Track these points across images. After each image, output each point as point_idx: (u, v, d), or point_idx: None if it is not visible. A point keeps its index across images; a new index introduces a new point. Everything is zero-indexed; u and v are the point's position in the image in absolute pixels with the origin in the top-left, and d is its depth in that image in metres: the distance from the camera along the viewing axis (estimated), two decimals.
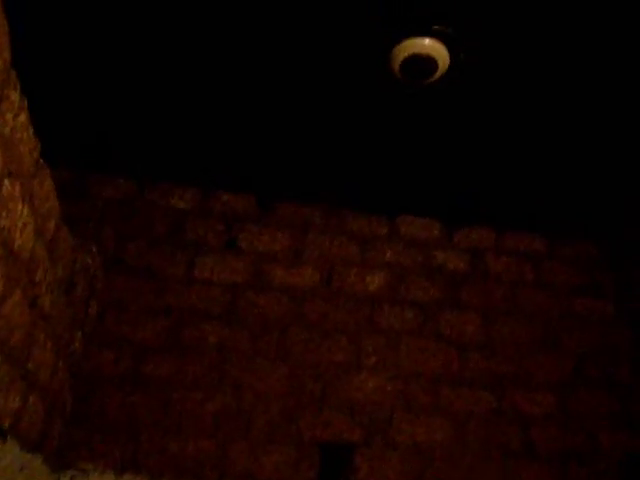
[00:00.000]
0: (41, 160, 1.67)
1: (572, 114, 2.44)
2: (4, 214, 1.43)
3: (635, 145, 2.58)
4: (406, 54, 1.93)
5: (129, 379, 2.56)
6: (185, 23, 2.15)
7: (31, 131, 1.55)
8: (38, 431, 1.99)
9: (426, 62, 1.96)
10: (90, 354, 2.59)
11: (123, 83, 2.45)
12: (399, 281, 2.95)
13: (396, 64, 1.96)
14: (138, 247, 2.84)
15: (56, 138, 2.82)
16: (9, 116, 1.39)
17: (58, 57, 2.34)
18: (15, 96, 1.42)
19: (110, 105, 2.57)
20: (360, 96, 2.29)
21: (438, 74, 1.99)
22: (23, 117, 1.48)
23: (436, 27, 1.88)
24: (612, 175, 2.77)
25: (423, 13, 1.87)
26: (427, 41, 1.92)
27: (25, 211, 1.57)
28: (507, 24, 1.95)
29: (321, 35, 2.05)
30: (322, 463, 2.52)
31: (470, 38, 1.95)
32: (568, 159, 2.68)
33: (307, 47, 2.15)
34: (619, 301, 3.08)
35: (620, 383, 2.87)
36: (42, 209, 1.71)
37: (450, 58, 1.97)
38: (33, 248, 1.67)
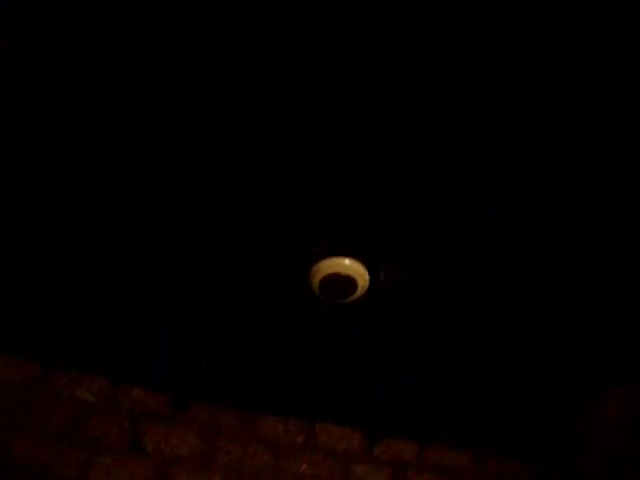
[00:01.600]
0: None
1: (500, 329, 2.46)
2: None
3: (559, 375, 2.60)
4: (325, 273, 1.95)
5: None
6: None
7: None
8: None
9: (345, 282, 1.98)
10: None
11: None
12: None
13: (315, 282, 1.97)
14: (29, 440, 2.57)
15: None
16: None
17: None
18: None
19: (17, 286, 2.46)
20: (281, 310, 2.27)
21: (358, 293, 2.01)
22: None
23: (356, 247, 1.92)
24: (543, 395, 2.77)
25: (344, 233, 1.92)
26: (347, 261, 1.96)
27: None
28: (427, 249, 2.01)
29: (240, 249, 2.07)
30: None
31: (391, 259, 2.00)
32: (494, 377, 2.67)
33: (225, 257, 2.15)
34: None
35: None
36: None
37: (370, 278, 2.00)
38: None
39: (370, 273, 1.96)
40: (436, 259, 2.08)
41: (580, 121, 1.55)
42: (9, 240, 2.25)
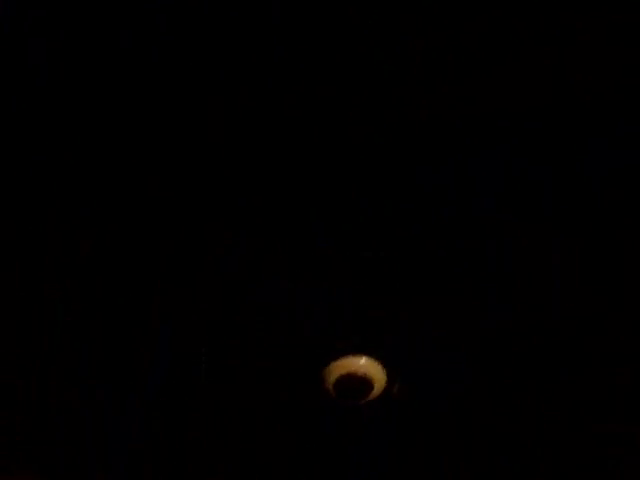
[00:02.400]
0: None
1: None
2: None
3: None
4: (341, 372, 1.87)
5: None
6: None
7: None
8: None
9: (361, 382, 1.89)
10: None
11: None
12: None
13: (330, 382, 1.88)
14: None
15: None
16: None
17: None
18: None
19: None
20: (292, 412, 2.16)
21: (374, 394, 1.91)
22: None
23: (374, 346, 1.85)
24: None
25: (363, 331, 1.86)
26: (363, 360, 1.87)
27: None
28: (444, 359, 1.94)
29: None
30: None
31: (408, 362, 1.92)
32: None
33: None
34: None
35: None
36: None
37: (387, 379, 1.91)
38: None
39: (387, 375, 1.87)
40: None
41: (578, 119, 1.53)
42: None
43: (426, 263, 1.83)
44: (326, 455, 2.40)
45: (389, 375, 1.93)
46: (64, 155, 1.81)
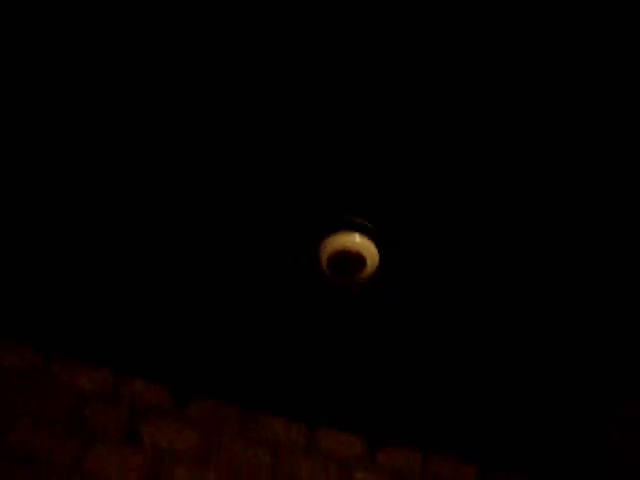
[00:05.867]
0: None
1: (505, 330, 2.42)
2: None
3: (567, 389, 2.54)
4: (335, 249, 1.91)
5: None
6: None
7: None
8: None
9: (354, 259, 1.94)
10: None
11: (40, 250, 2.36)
12: None
13: (324, 259, 1.93)
14: (27, 426, 2.52)
15: None
16: None
17: None
18: None
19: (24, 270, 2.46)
20: (285, 294, 2.23)
21: (366, 273, 1.97)
22: None
23: (368, 224, 1.89)
24: (553, 409, 2.69)
25: (356, 208, 1.90)
26: (357, 238, 1.92)
27: None
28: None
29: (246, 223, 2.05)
30: None
31: (400, 237, 1.97)
32: (500, 388, 2.61)
33: (232, 235, 2.14)
34: None
35: None
36: None
37: (380, 257, 1.97)
38: None
39: (380, 251, 1.92)
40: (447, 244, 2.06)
41: None
42: (12, 226, 2.26)
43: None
44: (318, 335, 2.48)
45: (382, 254, 1.98)
46: None
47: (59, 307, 2.61)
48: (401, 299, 2.22)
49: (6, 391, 2.59)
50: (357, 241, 1.93)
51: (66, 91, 1.80)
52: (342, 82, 1.69)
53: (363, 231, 1.92)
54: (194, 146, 1.93)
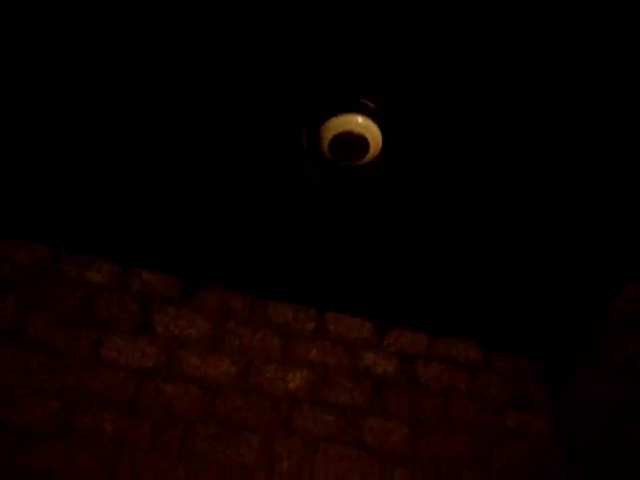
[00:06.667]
0: None
1: (508, 214, 2.39)
2: None
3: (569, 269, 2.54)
4: (338, 130, 1.85)
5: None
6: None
7: None
8: None
9: (357, 142, 1.88)
10: None
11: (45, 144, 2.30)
12: (322, 381, 2.74)
13: (325, 141, 1.87)
14: (41, 320, 2.58)
15: None
16: None
17: None
18: None
19: (33, 166, 2.41)
20: (287, 179, 2.19)
21: (369, 156, 1.91)
22: None
23: (371, 104, 1.81)
24: (549, 290, 2.71)
25: (358, 88, 1.82)
26: (360, 119, 1.85)
27: None
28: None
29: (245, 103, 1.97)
30: None
31: (404, 119, 1.90)
32: (506, 270, 2.61)
33: (230, 118, 2.07)
34: (553, 418, 2.92)
35: None
36: None
37: (383, 140, 1.90)
38: None
39: (384, 135, 1.86)
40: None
41: None
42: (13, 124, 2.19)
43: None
44: (323, 221, 2.46)
45: (385, 137, 1.92)
46: None
47: (65, 203, 2.59)
48: (406, 183, 2.18)
49: (19, 287, 2.63)
50: (360, 123, 1.86)
51: None
52: None
53: (366, 113, 1.85)
54: (198, 14, 1.82)
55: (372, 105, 1.81)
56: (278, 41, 1.77)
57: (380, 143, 1.89)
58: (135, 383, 2.52)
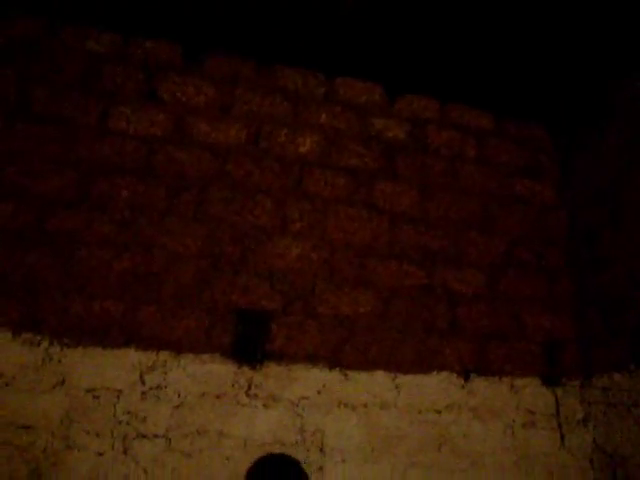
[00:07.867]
0: None
1: None
2: None
3: (586, 36, 2.36)
4: None
5: (29, 234, 2.31)
6: None
7: None
8: None
9: None
10: None
11: None
12: (333, 145, 2.73)
13: None
14: (45, 92, 2.51)
15: None
16: None
17: None
18: None
19: None
20: None
21: None
22: None
23: None
24: (566, 59, 2.56)
25: None
26: None
27: None
28: None
29: None
30: (237, 330, 2.38)
31: None
32: (523, 36, 2.45)
33: None
34: (561, 186, 2.97)
35: (550, 268, 2.80)
36: None
37: None
38: None
39: None
40: None
41: None
42: None
43: None
44: None
45: None
46: None
47: None
48: None
49: (13, 61, 2.52)
50: None
51: None
52: None
53: None
54: None
55: None
56: None
57: None
58: (146, 151, 2.52)
